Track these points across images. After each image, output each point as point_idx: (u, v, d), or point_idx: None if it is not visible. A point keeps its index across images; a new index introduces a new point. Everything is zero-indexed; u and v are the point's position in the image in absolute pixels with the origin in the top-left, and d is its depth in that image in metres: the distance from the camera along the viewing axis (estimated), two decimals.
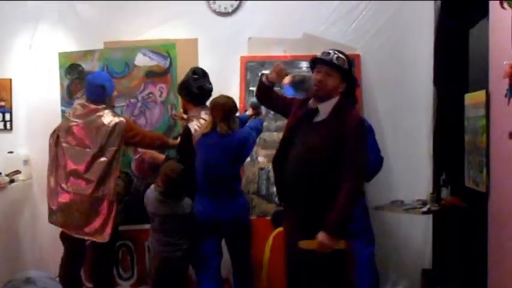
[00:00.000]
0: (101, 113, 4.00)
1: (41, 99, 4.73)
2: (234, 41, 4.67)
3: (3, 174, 4.52)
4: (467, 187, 3.69)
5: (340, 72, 3.06)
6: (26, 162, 4.69)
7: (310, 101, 3.16)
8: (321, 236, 2.90)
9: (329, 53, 3.08)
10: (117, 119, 4.00)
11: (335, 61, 3.05)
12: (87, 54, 4.54)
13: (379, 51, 4.55)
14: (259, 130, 4.11)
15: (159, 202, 3.79)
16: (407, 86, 4.48)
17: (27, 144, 4.79)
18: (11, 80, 4.83)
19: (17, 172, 4.62)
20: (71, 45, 4.77)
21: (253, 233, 4.03)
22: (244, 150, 3.89)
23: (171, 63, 4.44)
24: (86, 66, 4.53)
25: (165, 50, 4.47)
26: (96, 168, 3.91)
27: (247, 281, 4.02)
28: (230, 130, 3.81)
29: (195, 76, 4.19)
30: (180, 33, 4.71)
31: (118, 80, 4.39)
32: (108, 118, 3.98)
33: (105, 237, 3.87)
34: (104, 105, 4.03)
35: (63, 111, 4.44)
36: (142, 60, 4.47)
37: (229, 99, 3.89)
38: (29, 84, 4.83)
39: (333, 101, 3.07)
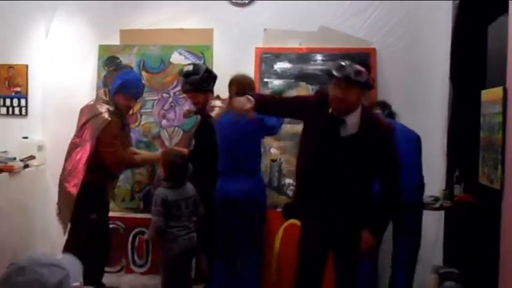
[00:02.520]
0: (98, 103, 3.98)
1: (56, 86, 4.76)
2: (250, 32, 4.67)
3: (17, 159, 4.55)
4: (481, 184, 3.66)
5: (360, 85, 2.89)
6: (40, 148, 4.73)
7: (331, 109, 2.97)
8: (366, 235, 2.97)
9: (343, 66, 2.83)
10: (105, 115, 3.88)
11: (353, 77, 2.81)
12: (126, 48, 4.76)
13: (395, 46, 4.52)
14: (276, 125, 3.98)
15: (169, 189, 3.76)
16: (423, 81, 4.45)
17: (42, 130, 4.84)
18: (27, 66, 4.86)
19: (31, 157, 4.65)
20: (87, 34, 4.80)
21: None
22: (261, 128, 3.85)
23: (204, 63, 4.55)
24: (124, 59, 4.75)
25: (199, 50, 4.66)
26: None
27: (253, 266, 3.99)
28: None
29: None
30: (196, 24, 4.72)
31: (153, 75, 4.69)
32: (101, 108, 3.93)
33: None
34: (106, 99, 3.99)
35: None
36: (177, 59, 4.69)
37: (246, 77, 3.96)
38: (45, 71, 4.86)
39: (358, 112, 2.95)
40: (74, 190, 3.84)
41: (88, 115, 3.94)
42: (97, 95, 4.12)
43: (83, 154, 3.85)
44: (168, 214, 3.67)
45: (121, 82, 3.96)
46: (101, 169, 3.87)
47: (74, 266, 1.74)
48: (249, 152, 3.87)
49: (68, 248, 3.84)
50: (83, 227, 3.86)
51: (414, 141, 3.95)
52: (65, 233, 3.98)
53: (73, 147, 3.94)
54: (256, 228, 3.95)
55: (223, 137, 3.91)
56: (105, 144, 3.84)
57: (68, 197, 3.88)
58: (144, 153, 4.33)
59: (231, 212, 3.85)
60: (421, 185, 3.94)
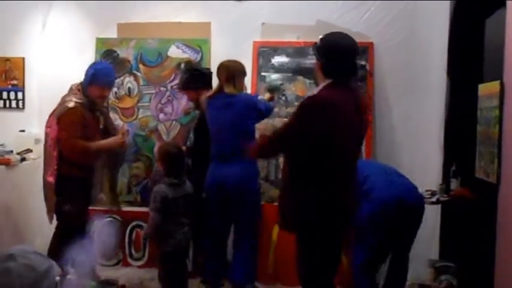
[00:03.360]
0: (68, 94, 3.97)
1: (53, 79, 4.75)
2: (248, 26, 4.67)
3: (14, 152, 4.55)
4: (478, 178, 3.67)
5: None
6: (37, 141, 4.72)
7: None
8: None
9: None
10: (68, 104, 3.87)
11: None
12: (123, 41, 4.75)
13: (392, 40, 4.52)
14: (267, 109, 4.04)
15: (169, 187, 3.70)
16: (420, 75, 4.45)
17: (39, 123, 4.81)
18: (23, 59, 4.86)
19: (29, 151, 4.65)
20: (84, 27, 4.79)
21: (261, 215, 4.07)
22: (252, 112, 3.89)
23: (202, 57, 4.60)
24: (121, 53, 4.73)
25: (197, 44, 4.66)
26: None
27: (248, 257, 3.98)
28: (235, 91, 3.87)
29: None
30: (194, 17, 4.71)
31: (150, 69, 4.69)
32: (67, 98, 3.93)
33: None
34: (77, 91, 3.97)
35: None
36: (175, 52, 4.69)
37: (236, 62, 3.98)
38: (42, 64, 4.84)
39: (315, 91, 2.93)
40: (51, 179, 3.87)
41: (57, 105, 3.97)
42: (70, 87, 4.03)
43: (51, 142, 3.88)
44: (166, 211, 3.63)
45: (93, 72, 3.94)
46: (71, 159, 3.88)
47: (50, 261, 1.80)
48: (240, 136, 3.81)
49: (52, 238, 3.92)
50: (61, 217, 3.91)
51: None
52: (51, 222, 4.01)
53: (46, 136, 3.99)
54: (250, 214, 3.95)
55: (214, 120, 3.93)
56: (60, 131, 3.84)
57: (47, 186, 3.92)
58: (102, 141, 4.08)
59: (222, 198, 3.86)
60: None
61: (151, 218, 3.62)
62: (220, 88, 3.93)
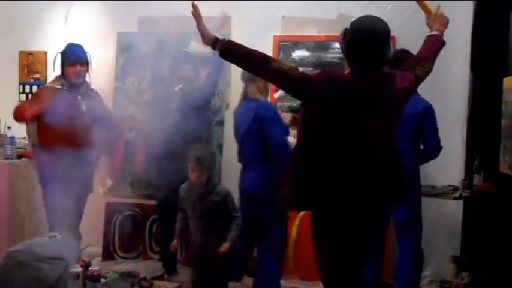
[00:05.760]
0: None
1: None
2: (268, 20, 4.65)
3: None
4: (502, 173, 3.62)
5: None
6: None
7: None
8: None
9: None
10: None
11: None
12: (144, 36, 4.68)
13: (414, 33, 4.46)
14: (278, 148, 3.65)
15: (196, 189, 3.59)
16: (442, 69, 4.36)
17: None
18: (46, 52, 4.90)
19: None
20: (105, 21, 4.82)
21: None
22: (264, 122, 3.64)
23: None
24: (142, 47, 4.66)
25: None
26: None
27: (268, 258, 3.83)
28: (260, 94, 3.76)
29: None
30: (214, 11, 4.69)
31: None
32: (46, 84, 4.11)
33: None
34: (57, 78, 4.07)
35: (116, 87, 4.68)
36: (196, 47, 4.53)
37: None
38: None
39: None
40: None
41: None
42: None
43: None
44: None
45: (62, 52, 4.02)
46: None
47: (70, 247, 1.69)
48: (253, 143, 3.72)
49: None
50: None
51: None
52: None
53: None
54: (269, 218, 3.75)
55: (235, 127, 3.90)
56: None
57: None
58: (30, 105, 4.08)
59: (244, 202, 3.82)
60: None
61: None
62: (245, 92, 3.83)
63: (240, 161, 3.88)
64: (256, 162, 3.72)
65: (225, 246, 3.51)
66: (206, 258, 3.59)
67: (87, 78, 4.07)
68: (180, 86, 4.29)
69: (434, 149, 3.76)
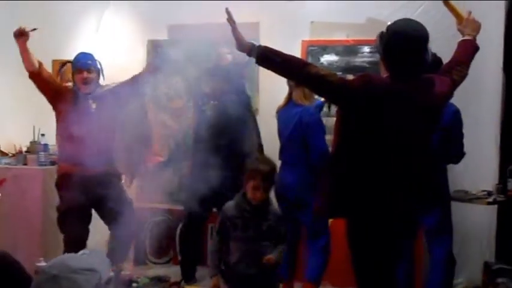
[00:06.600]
0: None
1: (106, 80, 4.84)
2: (296, 25, 4.64)
3: None
4: None
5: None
6: None
7: None
8: None
9: None
10: None
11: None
12: (173, 43, 4.69)
13: (445, 35, 4.40)
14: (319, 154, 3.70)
15: (253, 208, 3.26)
16: (475, 71, 4.29)
17: None
18: None
19: None
20: (136, 29, 4.89)
21: None
22: (308, 128, 3.71)
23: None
24: (171, 54, 4.67)
25: None
26: None
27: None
28: (305, 99, 3.75)
29: None
30: (242, 17, 4.70)
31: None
32: None
33: None
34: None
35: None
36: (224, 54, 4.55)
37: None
38: None
39: None
40: None
41: None
42: None
43: None
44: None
45: (71, 62, 4.16)
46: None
47: (102, 262, 1.69)
48: (292, 145, 3.82)
49: None
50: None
51: None
52: None
53: None
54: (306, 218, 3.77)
55: (279, 127, 3.96)
56: None
57: None
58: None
59: (281, 203, 3.83)
60: None
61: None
62: (290, 96, 3.87)
63: (280, 159, 3.90)
64: (295, 166, 3.78)
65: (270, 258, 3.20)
66: (254, 282, 3.27)
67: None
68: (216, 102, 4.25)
69: (456, 154, 3.69)
